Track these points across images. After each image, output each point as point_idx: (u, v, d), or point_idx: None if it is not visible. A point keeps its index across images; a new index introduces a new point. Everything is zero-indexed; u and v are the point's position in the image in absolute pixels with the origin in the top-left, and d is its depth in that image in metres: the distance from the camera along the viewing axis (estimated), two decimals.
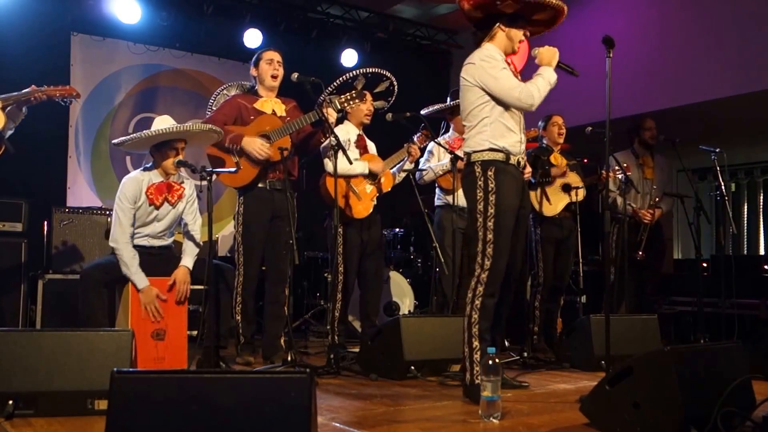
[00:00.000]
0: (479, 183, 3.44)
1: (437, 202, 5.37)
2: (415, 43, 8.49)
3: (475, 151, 3.50)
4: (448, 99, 5.33)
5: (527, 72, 3.63)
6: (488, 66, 3.44)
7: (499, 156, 3.46)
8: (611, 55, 3.41)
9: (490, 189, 3.41)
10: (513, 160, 3.49)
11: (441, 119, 5.53)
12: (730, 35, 6.04)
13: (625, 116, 6.00)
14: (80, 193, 6.53)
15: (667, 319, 6.15)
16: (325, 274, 6.30)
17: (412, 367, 3.88)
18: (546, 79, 3.47)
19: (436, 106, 5.31)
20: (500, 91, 3.42)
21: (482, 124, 3.49)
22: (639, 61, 6.49)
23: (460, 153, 4.95)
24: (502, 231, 3.40)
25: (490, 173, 3.43)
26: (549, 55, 3.54)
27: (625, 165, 5.21)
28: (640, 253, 5.34)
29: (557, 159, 5.19)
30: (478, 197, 3.44)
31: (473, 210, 3.46)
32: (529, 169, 3.76)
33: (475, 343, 3.34)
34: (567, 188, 5.13)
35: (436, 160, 5.28)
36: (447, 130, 5.48)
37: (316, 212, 5.80)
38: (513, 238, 3.50)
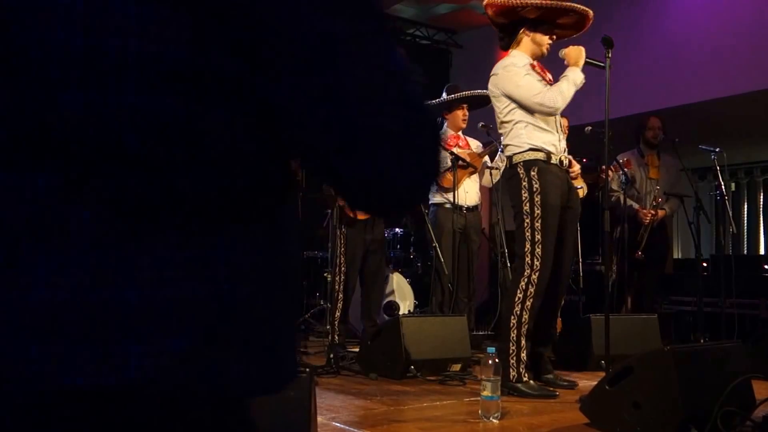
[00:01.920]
0: (524, 183, 3.48)
1: (432, 200, 5.34)
2: (414, 42, 8.48)
3: (515, 153, 3.54)
4: (444, 94, 5.31)
5: (557, 72, 3.66)
6: (509, 74, 3.51)
7: (540, 155, 3.51)
8: (610, 54, 3.42)
9: (534, 189, 3.46)
10: (554, 160, 3.54)
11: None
12: (731, 35, 6.04)
13: (623, 116, 6.00)
14: None
15: (667, 318, 6.14)
16: (325, 274, 6.30)
17: (412, 367, 3.88)
18: (571, 80, 3.50)
19: (432, 102, 5.29)
20: (522, 98, 3.49)
21: (517, 126, 3.54)
22: (641, 61, 6.48)
23: (456, 150, 4.97)
24: (549, 231, 3.45)
25: (533, 173, 3.48)
26: (575, 54, 3.56)
27: (624, 160, 5.21)
28: (639, 252, 5.33)
29: None
30: (524, 198, 3.48)
31: (519, 211, 3.50)
32: (576, 168, 3.76)
33: (523, 342, 3.43)
34: None
35: None
36: (441, 127, 5.46)
37: (316, 212, 5.79)
38: (561, 240, 3.55)
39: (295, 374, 0.63)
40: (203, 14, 0.53)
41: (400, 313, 6.04)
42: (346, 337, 5.17)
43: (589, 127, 4.95)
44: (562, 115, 5.23)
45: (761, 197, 9.49)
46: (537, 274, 3.43)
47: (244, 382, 0.57)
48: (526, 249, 3.45)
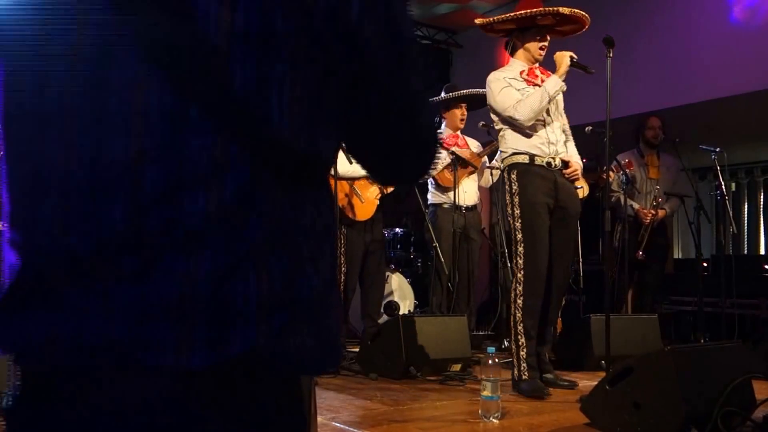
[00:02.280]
0: (506, 187, 3.66)
1: (431, 200, 5.33)
2: None
3: (503, 158, 3.74)
4: (442, 94, 5.30)
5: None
6: (491, 89, 3.72)
7: (522, 158, 3.63)
8: (611, 54, 3.43)
9: (513, 191, 3.61)
10: (540, 161, 3.63)
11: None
12: (731, 35, 6.04)
13: (623, 116, 6.00)
14: None
15: (667, 318, 6.14)
16: None
17: (412, 367, 3.88)
18: (545, 89, 3.61)
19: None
20: (499, 110, 3.68)
21: (506, 133, 3.72)
22: (641, 61, 6.48)
23: (455, 150, 4.97)
24: (532, 229, 3.55)
25: (513, 176, 3.63)
26: (559, 60, 3.68)
27: (625, 162, 5.20)
28: (640, 253, 5.33)
29: None
30: (507, 201, 3.65)
31: (506, 214, 3.69)
32: (571, 170, 3.74)
33: (522, 341, 3.51)
34: None
35: None
36: (439, 126, 5.44)
37: None
38: (554, 239, 3.61)
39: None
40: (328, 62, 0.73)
41: (400, 313, 6.04)
42: (346, 337, 5.17)
43: (590, 127, 4.95)
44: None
45: (762, 197, 9.49)
46: (522, 272, 3.54)
47: (317, 359, 0.73)
48: (514, 249, 3.61)
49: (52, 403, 0.67)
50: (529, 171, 3.60)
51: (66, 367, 0.66)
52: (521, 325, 3.51)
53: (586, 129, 4.96)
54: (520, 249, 3.54)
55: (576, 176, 3.84)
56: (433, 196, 5.31)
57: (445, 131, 5.34)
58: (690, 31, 6.32)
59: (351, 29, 0.72)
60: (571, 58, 3.63)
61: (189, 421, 0.67)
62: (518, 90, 3.63)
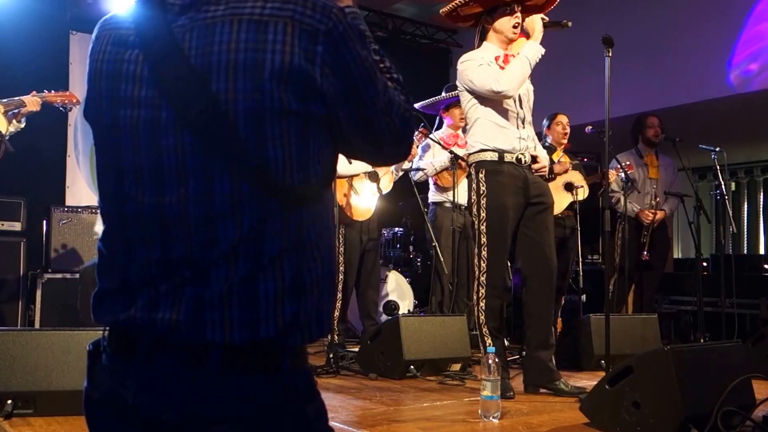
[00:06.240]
0: (473, 186, 3.53)
1: (431, 199, 5.32)
2: (414, 41, 8.47)
3: (471, 153, 3.59)
4: (443, 93, 5.29)
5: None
6: (465, 69, 3.54)
7: (491, 156, 3.49)
8: (610, 54, 3.41)
9: (481, 192, 3.48)
10: (510, 158, 3.49)
11: (436, 116, 5.49)
12: (730, 34, 6.03)
13: (623, 116, 5.99)
14: (79, 192, 6.50)
15: (667, 318, 6.14)
16: None
17: (412, 367, 3.88)
18: (524, 55, 3.46)
19: (430, 99, 5.27)
20: (478, 89, 3.48)
21: (476, 124, 3.55)
22: (642, 60, 6.48)
23: (455, 150, 4.96)
24: (495, 233, 3.45)
25: (481, 175, 3.49)
26: (531, 25, 3.52)
27: (626, 164, 5.19)
28: (645, 254, 5.31)
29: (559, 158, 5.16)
30: (473, 200, 3.54)
31: (471, 213, 3.58)
32: (539, 165, 3.62)
33: (488, 341, 3.44)
34: (569, 187, 5.10)
35: (431, 157, 5.25)
36: (440, 126, 5.44)
37: None
38: (532, 235, 3.52)
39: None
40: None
41: (400, 312, 6.03)
42: (345, 336, 5.16)
43: (590, 127, 4.94)
44: (562, 112, 5.24)
45: (761, 197, 9.49)
46: (485, 275, 3.46)
47: (314, 332, 0.98)
48: (476, 251, 3.52)
49: (131, 356, 0.97)
50: (498, 171, 3.46)
51: (144, 336, 0.95)
52: (485, 327, 3.47)
53: (587, 129, 4.96)
54: (484, 252, 3.46)
55: (544, 173, 3.68)
56: (433, 195, 5.31)
57: (445, 131, 5.32)
58: (690, 30, 6.31)
59: (317, 89, 0.96)
60: (543, 19, 3.50)
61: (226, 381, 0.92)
62: None
